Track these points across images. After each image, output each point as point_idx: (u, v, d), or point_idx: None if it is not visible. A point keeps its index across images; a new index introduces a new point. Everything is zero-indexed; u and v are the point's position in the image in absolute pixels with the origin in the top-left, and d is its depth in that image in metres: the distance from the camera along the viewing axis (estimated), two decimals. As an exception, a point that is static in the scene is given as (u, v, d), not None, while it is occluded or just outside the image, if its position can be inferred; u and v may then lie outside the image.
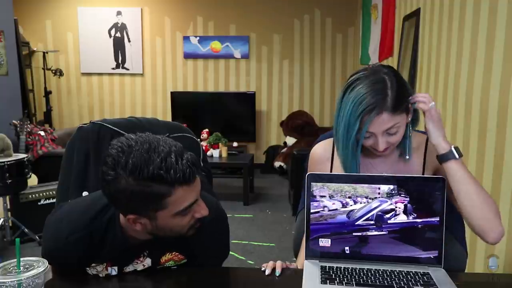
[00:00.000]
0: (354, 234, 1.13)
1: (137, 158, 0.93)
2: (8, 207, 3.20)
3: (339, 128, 1.16)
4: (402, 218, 1.11)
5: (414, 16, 3.03)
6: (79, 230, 1.07)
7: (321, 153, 1.33)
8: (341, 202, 1.13)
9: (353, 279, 1.04)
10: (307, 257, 1.15)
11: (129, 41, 5.84)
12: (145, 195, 0.95)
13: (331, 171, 1.31)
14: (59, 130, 4.71)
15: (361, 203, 1.12)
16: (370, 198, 1.12)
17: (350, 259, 1.13)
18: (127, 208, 1.00)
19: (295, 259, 1.39)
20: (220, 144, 4.61)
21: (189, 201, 1.00)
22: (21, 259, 0.94)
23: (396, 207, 1.11)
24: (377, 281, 1.04)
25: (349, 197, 1.12)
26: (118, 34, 5.83)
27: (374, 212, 1.12)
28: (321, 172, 1.29)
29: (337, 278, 1.05)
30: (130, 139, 0.97)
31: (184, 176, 0.95)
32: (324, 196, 1.13)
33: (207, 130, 4.84)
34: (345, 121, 1.12)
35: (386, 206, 1.11)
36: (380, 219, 1.11)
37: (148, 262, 1.15)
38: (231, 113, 5.68)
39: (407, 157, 1.21)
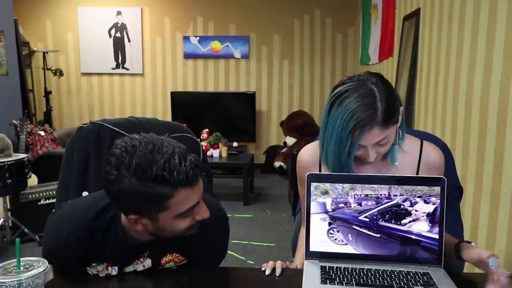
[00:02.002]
0: (354, 234, 1.13)
1: (140, 158, 0.93)
2: (8, 207, 3.20)
3: (328, 143, 1.13)
4: (420, 226, 1.10)
5: (414, 16, 3.03)
6: (79, 229, 1.07)
7: (308, 158, 1.30)
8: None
9: (353, 279, 1.04)
10: (307, 257, 1.15)
11: (129, 41, 5.84)
12: (148, 196, 0.95)
13: None
14: (59, 130, 4.71)
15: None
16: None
17: (350, 259, 1.13)
18: (129, 208, 1.00)
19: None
20: (220, 144, 4.61)
21: (191, 203, 1.00)
22: (21, 259, 0.94)
23: (413, 210, 1.10)
24: (377, 281, 1.04)
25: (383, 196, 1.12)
26: (118, 34, 5.83)
27: (376, 209, 1.12)
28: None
29: (337, 278, 1.05)
30: (134, 139, 0.97)
31: (187, 178, 0.95)
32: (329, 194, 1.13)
33: (207, 130, 4.84)
34: (336, 137, 1.10)
35: (398, 205, 1.11)
36: (373, 221, 1.11)
37: (148, 263, 1.15)
38: (231, 113, 5.69)
39: (396, 163, 1.21)
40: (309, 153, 1.30)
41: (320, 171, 1.28)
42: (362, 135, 1.08)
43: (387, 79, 1.16)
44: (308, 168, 1.29)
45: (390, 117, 1.08)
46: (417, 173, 1.24)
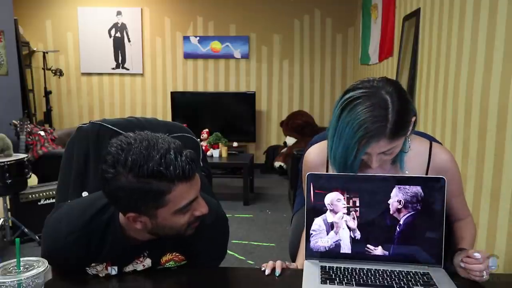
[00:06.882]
0: (354, 234, 1.13)
1: (136, 155, 0.94)
2: (8, 207, 3.20)
3: (337, 146, 1.11)
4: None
5: (414, 16, 3.02)
6: (78, 230, 1.07)
7: (315, 158, 1.30)
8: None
9: (353, 279, 1.04)
10: (307, 257, 1.15)
11: (129, 41, 5.84)
12: (145, 192, 0.95)
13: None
14: (59, 130, 4.70)
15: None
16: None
17: (350, 259, 1.13)
18: (127, 206, 1.00)
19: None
20: (220, 144, 4.61)
21: (189, 198, 1.01)
22: (21, 259, 0.94)
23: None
24: (377, 281, 1.04)
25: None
26: (118, 34, 5.82)
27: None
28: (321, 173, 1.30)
29: (337, 278, 1.05)
30: (129, 137, 0.98)
31: (184, 172, 0.96)
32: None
33: (207, 130, 4.84)
34: (344, 143, 1.09)
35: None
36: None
37: (148, 262, 1.15)
38: (231, 113, 5.68)
39: (406, 172, 1.20)
40: (316, 153, 1.30)
41: (327, 171, 1.28)
42: (369, 145, 1.07)
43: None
44: (315, 168, 1.28)
45: (400, 130, 1.07)
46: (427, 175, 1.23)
